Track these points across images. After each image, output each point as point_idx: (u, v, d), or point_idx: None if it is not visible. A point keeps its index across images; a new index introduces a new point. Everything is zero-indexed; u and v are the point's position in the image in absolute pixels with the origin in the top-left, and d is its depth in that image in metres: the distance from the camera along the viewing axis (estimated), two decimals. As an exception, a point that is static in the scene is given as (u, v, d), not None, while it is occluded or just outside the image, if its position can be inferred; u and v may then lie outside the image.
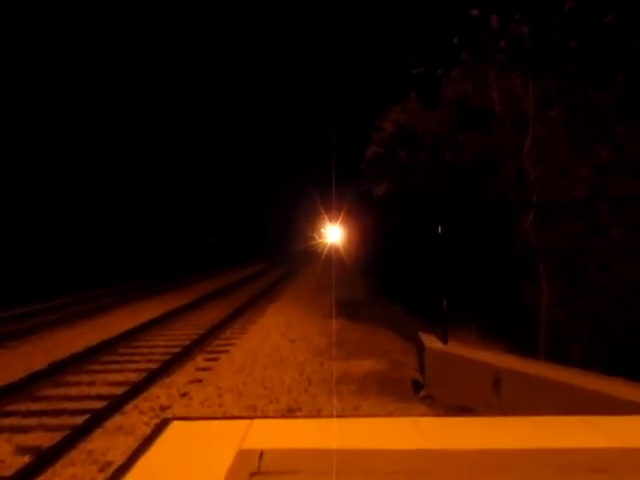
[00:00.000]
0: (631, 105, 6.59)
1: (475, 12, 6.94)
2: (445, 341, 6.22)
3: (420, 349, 6.62)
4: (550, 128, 6.91)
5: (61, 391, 6.63)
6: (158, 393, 6.48)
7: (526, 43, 6.78)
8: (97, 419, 5.44)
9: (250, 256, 40.72)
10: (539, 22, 6.61)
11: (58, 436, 4.96)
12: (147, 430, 4.78)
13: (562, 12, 6.53)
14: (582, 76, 6.64)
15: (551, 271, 6.64)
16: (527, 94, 6.94)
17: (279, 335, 9.81)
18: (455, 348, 6.07)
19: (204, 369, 7.61)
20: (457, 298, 6.69)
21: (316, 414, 5.66)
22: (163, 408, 5.93)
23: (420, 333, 6.91)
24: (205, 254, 37.78)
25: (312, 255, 40.37)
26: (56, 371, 7.28)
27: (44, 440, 4.95)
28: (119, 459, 4.42)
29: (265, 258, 39.40)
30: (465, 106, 7.89)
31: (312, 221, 56.30)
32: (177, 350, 8.48)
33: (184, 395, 6.39)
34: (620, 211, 6.27)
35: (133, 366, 7.75)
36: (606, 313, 6.20)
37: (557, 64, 6.68)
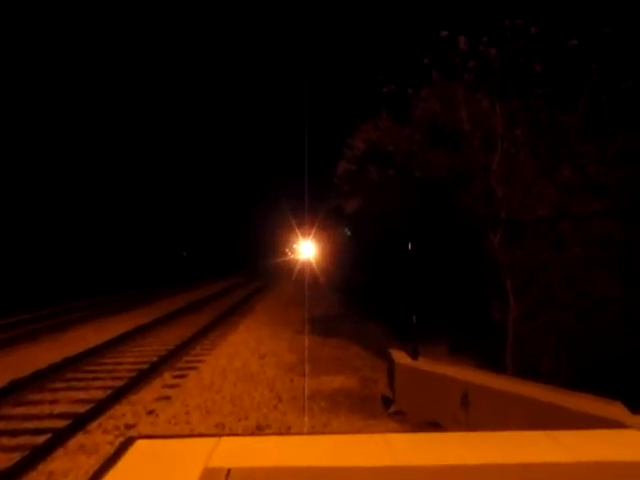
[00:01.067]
0: (593, 127, 6.83)
1: (444, 33, 7.11)
2: (415, 357, 6.24)
3: (390, 365, 6.63)
4: (517, 147, 7.09)
5: (21, 410, 6.40)
6: (123, 411, 6.31)
7: (493, 64, 6.97)
8: (59, 438, 5.26)
9: (223, 271, 40.27)
10: (506, 45, 6.81)
11: (17, 457, 4.78)
12: (111, 449, 4.64)
13: (528, 35, 6.75)
14: (547, 97, 6.85)
15: (518, 287, 6.76)
16: (495, 114, 7.12)
17: (249, 351, 9.70)
18: (424, 364, 6.09)
19: (172, 386, 7.46)
20: (427, 314, 6.75)
21: (285, 431, 5.59)
22: (128, 426, 5.78)
23: (390, 349, 6.92)
24: (176, 268, 37.24)
25: (285, 270, 40.24)
26: (17, 389, 7.04)
27: (1, 461, 4.76)
28: (80, 480, 4.28)
29: (238, 273, 39.03)
30: (435, 124, 8.05)
31: (285, 236, 56.27)
32: (144, 367, 8.30)
33: (150, 413, 6.24)
34: (583, 229, 6.46)
35: (98, 383, 7.55)
36: (571, 328, 6.34)
37: (523, 85, 6.88)
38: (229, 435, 5.06)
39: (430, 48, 7.58)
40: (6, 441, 5.32)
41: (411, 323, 6.38)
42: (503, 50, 6.84)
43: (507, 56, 6.84)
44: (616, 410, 4.05)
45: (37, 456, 4.84)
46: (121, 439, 4.67)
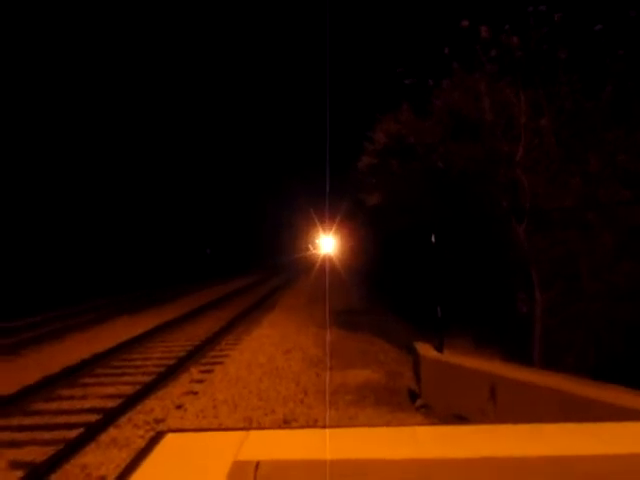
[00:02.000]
0: (620, 114, 6.66)
1: (465, 23, 7.01)
2: (440, 350, 6.21)
3: (416, 358, 6.61)
4: (542, 137, 6.96)
5: (54, 405, 6.56)
6: (152, 406, 6.42)
7: (516, 53, 6.84)
8: (91, 433, 5.38)
9: (245, 267, 40.56)
10: (529, 32, 6.68)
11: (51, 451, 4.90)
12: (141, 443, 4.74)
13: (552, 22, 6.61)
14: (572, 85, 6.71)
15: (544, 279, 6.65)
16: (518, 103, 6.99)
17: (274, 346, 9.76)
18: (450, 357, 6.06)
19: (199, 381, 7.56)
20: (452, 307, 6.70)
21: (312, 425, 5.62)
22: (157, 421, 5.88)
23: (415, 342, 6.90)
24: (200, 266, 37.64)
25: (307, 265, 40.32)
26: (49, 384, 7.21)
27: (37, 455, 4.89)
28: (113, 473, 4.37)
29: (260, 269, 39.29)
30: (456, 115, 7.95)
31: (307, 232, 56.39)
32: (172, 362, 8.42)
33: (179, 407, 6.34)
34: (611, 218, 6.31)
35: (127, 379, 7.69)
36: (598, 320, 6.22)
37: (547, 73, 6.74)
38: (257, 429, 5.11)
39: (451, 38, 7.48)
40: (40, 435, 5.47)
41: (436, 316, 6.34)
42: (526, 38, 6.70)
43: (530, 44, 6.71)
44: (648, 402, 3.97)
45: (70, 450, 4.96)
46: (151, 433, 4.75)
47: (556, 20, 6.56)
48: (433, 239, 6.49)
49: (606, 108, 6.66)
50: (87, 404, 6.55)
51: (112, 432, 5.53)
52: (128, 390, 6.97)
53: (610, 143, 6.55)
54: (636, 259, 6.13)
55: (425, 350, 6.40)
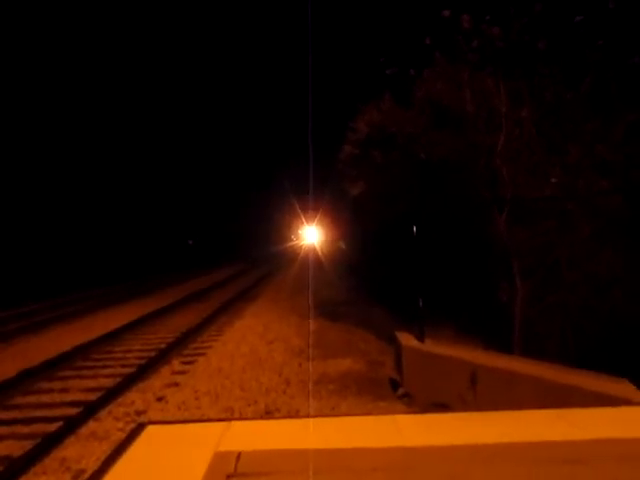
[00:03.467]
0: (599, 105, 6.74)
1: (447, 13, 7.01)
2: (422, 339, 6.26)
3: (397, 348, 6.65)
4: (522, 127, 7.02)
5: (32, 399, 6.47)
6: (133, 398, 6.37)
7: (497, 43, 6.87)
8: (70, 426, 5.32)
9: (228, 258, 40.37)
10: (510, 23, 6.71)
11: (29, 445, 4.84)
12: (122, 436, 4.69)
13: (532, 13, 6.64)
14: (552, 76, 6.76)
15: (524, 268, 6.74)
16: (499, 94, 7.03)
17: (257, 337, 9.74)
18: (431, 346, 6.11)
19: (181, 372, 7.51)
20: (435, 297, 6.75)
21: (294, 415, 5.63)
22: (139, 413, 5.83)
23: (397, 332, 6.94)
24: (183, 257, 37.39)
25: (290, 256, 40.28)
26: (26, 378, 7.11)
27: (15, 449, 4.82)
28: (93, 466, 4.33)
29: (243, 260, 39.12)
30: (438, 106, 7.97)
31: (290, 223, 56.29)
32: (153, 354, 8.36)
33: (160, 399, 6.29)
34: (590, 208, 6.41)
35: (108, 371, 7.61)
36: (578, 308, 6.33)
37: (528, 64, 6.79)
38: (238, 419, 5.10)
39: (432, 28, 7.48)
40: (19, 429, 5.39)
41: (417, 306, 6.38)
42: (507, 28, 6.73)
43: (511, 34, 6.74)
44: (623, 388, 4.05)
45: (49, 444, 4.89)
46: (132, 426, 4.71)
47: (536, 10, 6.60)
48: (415, 230, 6.52)
49: (585, 99, 6.74)
50: (67, 397, 6.47)
51: (92, 425, 5.47)
52: (109, 382, 6.90)
53: (589, 133, 6.63)
54: (614, 249, 6.24)
55: (406, 339, 6.44)
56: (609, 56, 6.52)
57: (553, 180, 6.74)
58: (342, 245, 19.95)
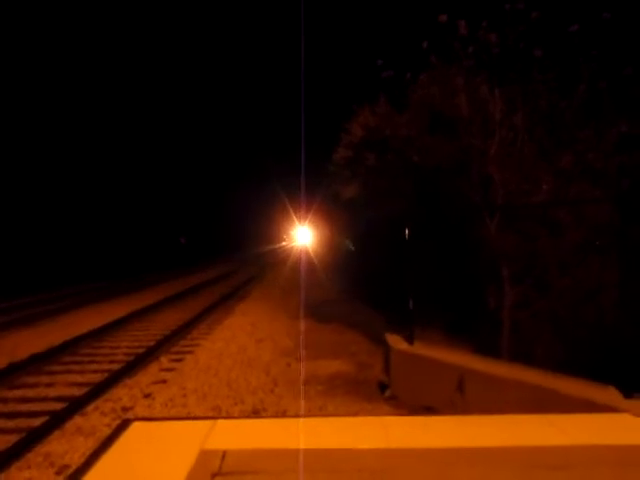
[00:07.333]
0: (592, 113, 6.79)
1: (443, 18, 7.04)
2: (411, 342, 6.27)
3: (386, 350, 6.66)
4: (516, 133, 7.05)
5: (18, 393, 6.42)
6: (120, 394, 6.34)
7: (493, 50, 6.90)
8: (56, 421, 5.28)
9: (220, 257, 40.32)
10: (506, 29, 6.74)
11: (13, 439, 4.80)
12: (108, 432, 4.67)
13: (528, 20, 6.68)
14: (546, 83, 6.80)
15: (514, 273, 6.77)
16: (493, 99, 7.07)
17: (246, 335, 9.73)
18: (420, 349, 6.12)
19: (169, 369, 7.48)
20: (424, 299, 6.76)
21: (282, 415, 5.63)
22: (125, 409, 5.81)
23: (386, 334, 6.95)
24: (175, 255, 37.26)
25: (282, 256, 40.23)
26: (14, 372, 7.05)
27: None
28: (78, 461, 4.30)
29: (235, 259, 39.07)
30: (433, 110, 7.99)
31: (283, 224, 56.27)
32: (141, 351, 8.32)
33: (147, 396, 6.27)
34: (580, 215, 6.45)
35: (95, 367, 7.57)
36: (566, 314, 6.37)
37: (523, 71, 6.82)
38: (225, 418, 5.09)
39: (429, 33, 7.50)
40: (3, 424, 5.34)
41: (407, 308, 6.40)
42: (503, 35, 6.77)
43: (507, 41, 6.78)
44: (609, 394, 4.08)
45: (34, 438, 4.85)
46: (118, 421, 4.69)
47: (533, 18, 6.64)
48: (407, 233, 6.53)
49: (578, 108, 6.78)
50: (54, 392, 6.42)
51: (78, 420, 5.44)
52: (96, 378, 6.87)
53: (581, 142, 6.68)
54: (603, 256, 6.28)
55: (395, 342, 6.46)
56: (603, 66, 6.57)
57: (544, 187, 6.78)
58: (333, 247, 19.95)
